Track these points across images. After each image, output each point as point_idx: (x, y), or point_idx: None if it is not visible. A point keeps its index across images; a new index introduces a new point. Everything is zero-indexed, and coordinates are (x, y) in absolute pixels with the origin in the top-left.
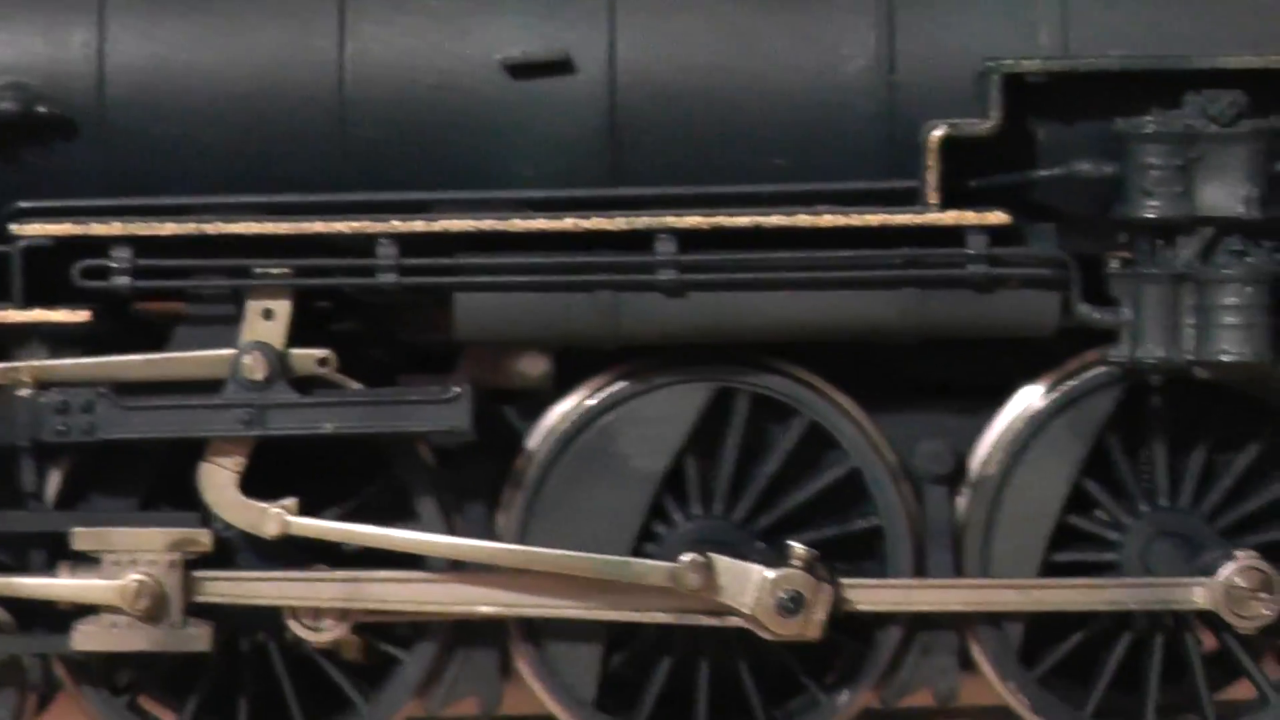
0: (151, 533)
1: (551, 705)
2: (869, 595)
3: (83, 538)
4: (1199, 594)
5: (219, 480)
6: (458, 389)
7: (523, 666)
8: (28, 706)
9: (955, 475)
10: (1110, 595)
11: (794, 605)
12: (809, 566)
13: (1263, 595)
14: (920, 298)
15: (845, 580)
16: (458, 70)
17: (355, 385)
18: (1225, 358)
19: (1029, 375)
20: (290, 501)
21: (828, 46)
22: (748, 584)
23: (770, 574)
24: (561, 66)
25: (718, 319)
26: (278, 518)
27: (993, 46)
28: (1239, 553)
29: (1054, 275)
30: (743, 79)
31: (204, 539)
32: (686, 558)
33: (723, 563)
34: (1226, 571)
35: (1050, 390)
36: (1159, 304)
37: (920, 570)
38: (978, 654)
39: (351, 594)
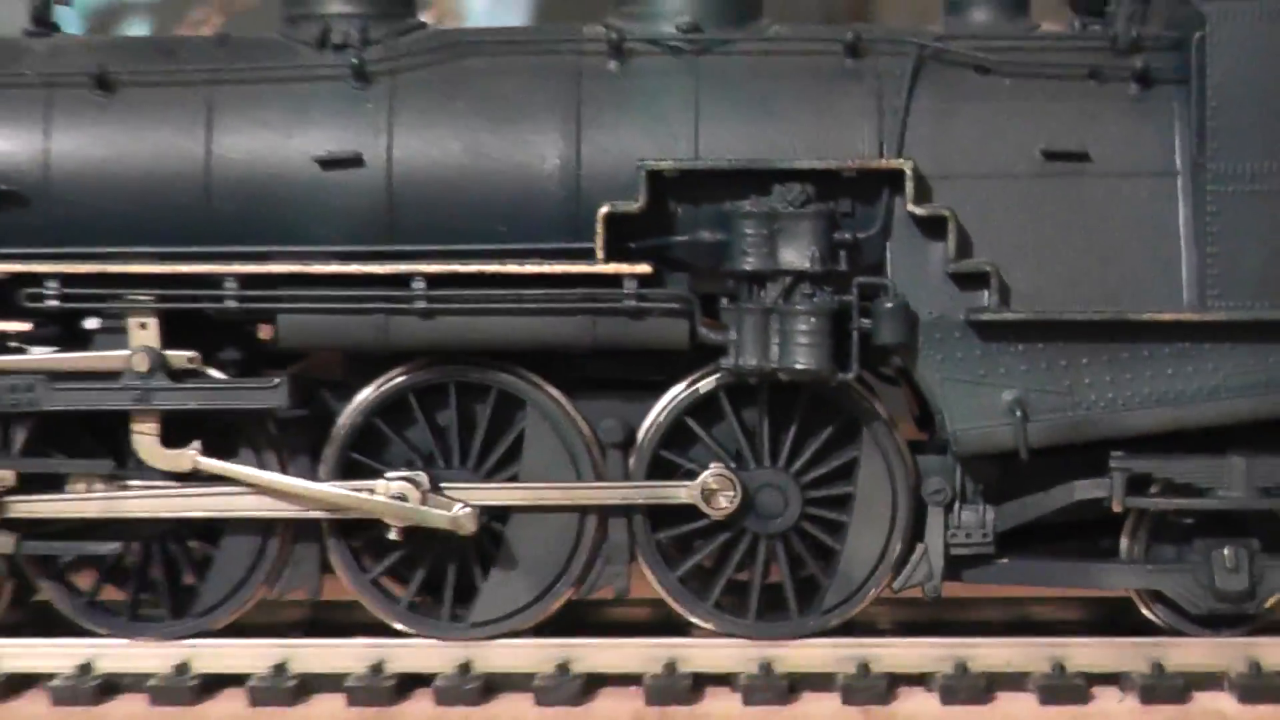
0: None
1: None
2: None
3: None
4: (683, 493)
5: (145, 441)
6: (278, 379)
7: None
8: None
9: (626, 443)
10: (619, 494)
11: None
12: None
13: (725, 493)
14: (591, 322)
15: None
16: (286, 163)
17: (218, 375)
18: (799, 366)
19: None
20: (197, 445)
21: (535, 152)
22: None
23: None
24: (354, 161)
25: (455, 335)
26: (190, 458)
27: (646, 151)
28: (712, 465)
29: (683, 308)
30: (477, 172)
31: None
32: (463, 509)
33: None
34: (701, 478)
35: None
36: (754, 328)
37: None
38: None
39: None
